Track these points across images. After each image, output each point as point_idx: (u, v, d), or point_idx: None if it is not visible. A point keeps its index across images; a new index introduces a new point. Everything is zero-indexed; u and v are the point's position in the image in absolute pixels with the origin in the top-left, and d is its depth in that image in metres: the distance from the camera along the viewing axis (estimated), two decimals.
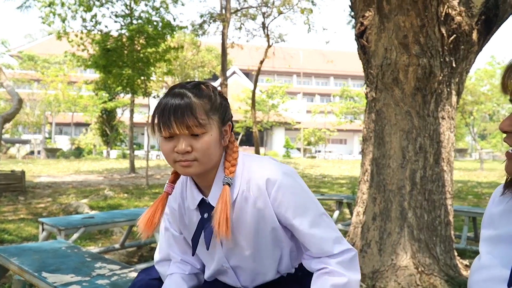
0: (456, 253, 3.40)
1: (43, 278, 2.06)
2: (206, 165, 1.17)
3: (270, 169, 1.22)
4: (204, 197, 1.26)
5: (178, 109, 1.11)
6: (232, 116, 1.28)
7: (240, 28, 19.91)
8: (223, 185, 1.18)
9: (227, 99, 1.27)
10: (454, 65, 3.22)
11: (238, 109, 33.60)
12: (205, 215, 1.25)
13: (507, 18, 3.48)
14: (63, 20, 12.26)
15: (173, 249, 1.43)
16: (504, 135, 0.82)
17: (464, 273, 3.19)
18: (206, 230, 1.25)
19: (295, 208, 1.20)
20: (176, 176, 1.31)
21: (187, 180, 1.32)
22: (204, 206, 1.26)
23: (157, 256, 1.58)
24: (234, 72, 47.10)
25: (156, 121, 1.14)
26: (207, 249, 1.29)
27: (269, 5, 18.40)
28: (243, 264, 1.30)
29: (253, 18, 19.45)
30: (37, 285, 2.11)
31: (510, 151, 0.83)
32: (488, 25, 3.36)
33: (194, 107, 1.12)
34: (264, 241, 1.26)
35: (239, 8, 19.46)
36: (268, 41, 17.91)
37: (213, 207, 1.20)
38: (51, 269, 2.21)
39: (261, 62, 16.87)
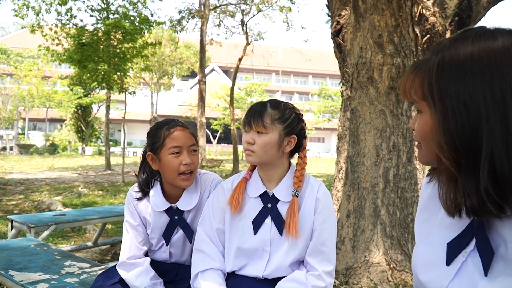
0: None
1: (10, 276, 2.00)
2: (262, 159, 1.45)
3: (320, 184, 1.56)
4: (268, 190, 1.51)
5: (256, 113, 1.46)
6: (303, 132, 1.54)
7: (219, 25, 19.84)
8: (292, 196, 1.45)
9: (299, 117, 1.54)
10: None
11: (217, 106, 33.49)
12: (269, 205, 1.49)
13: (480, 20, 3.55)
14: (37, 13, 12.00)
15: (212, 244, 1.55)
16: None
17: None
18: (274, 217, 1.47)
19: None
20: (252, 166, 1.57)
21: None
22: (267, 197, 1.51)
23: (124, 255, 1.55)
24: (213, 69, 46.94)
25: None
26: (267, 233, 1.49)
27: (248, 2, 18.37)
28: (278, 251, 1.48)
29: (232, 15, 19.41)
30: (4, 284, 2.06)
31: (417, 143, 0.90)
32: (462, 26, 3.42)
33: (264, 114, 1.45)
34: (301, 237, 1.46)
35: (218, 5, 19.38)
36: (247, 38, 17.87)
37: (277, 199, 1.47)
38: (18, 267, 2.15)
39: (240, 60, 16.81)
